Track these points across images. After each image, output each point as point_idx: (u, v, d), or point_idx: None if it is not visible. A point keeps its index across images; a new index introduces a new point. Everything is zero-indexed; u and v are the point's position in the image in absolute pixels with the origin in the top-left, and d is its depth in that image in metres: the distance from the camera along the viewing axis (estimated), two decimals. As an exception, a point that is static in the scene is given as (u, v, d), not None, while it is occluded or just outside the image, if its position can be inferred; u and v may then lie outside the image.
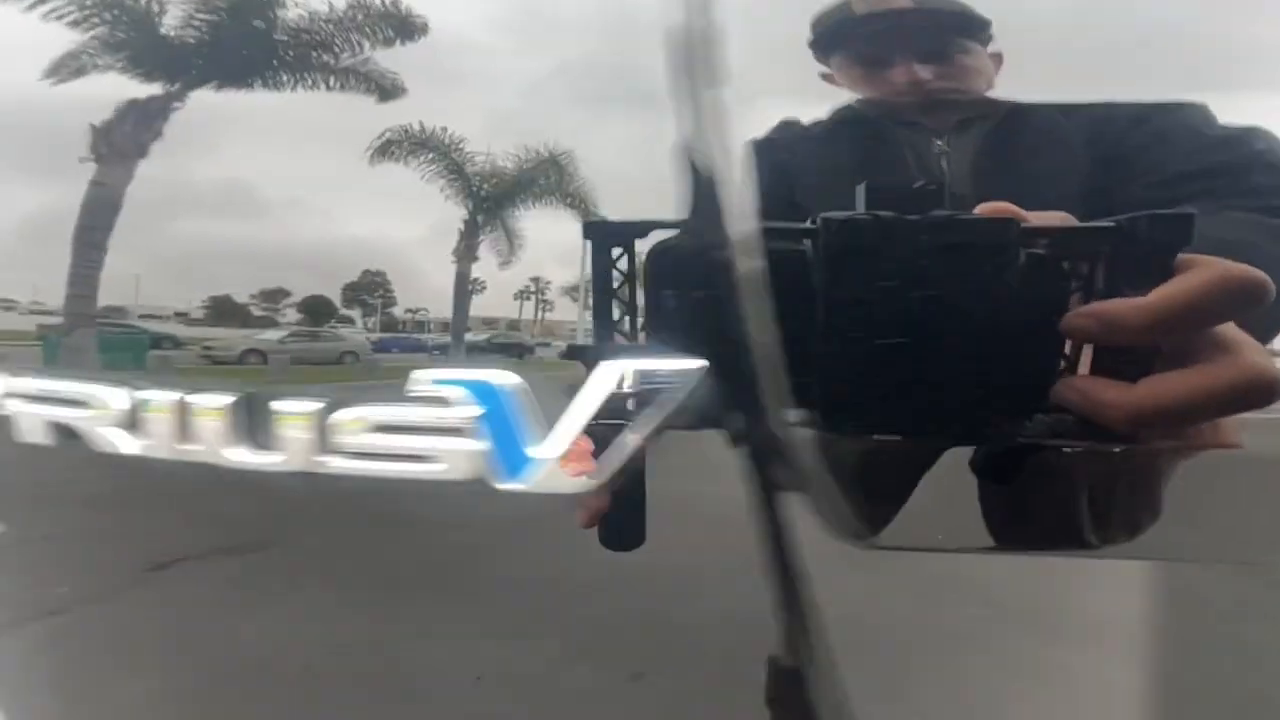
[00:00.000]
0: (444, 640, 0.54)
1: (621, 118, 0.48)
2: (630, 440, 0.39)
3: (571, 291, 0.46)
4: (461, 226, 0.47)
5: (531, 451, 0.40)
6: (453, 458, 0.40)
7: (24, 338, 0.54)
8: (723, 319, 0.40)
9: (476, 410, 0.40)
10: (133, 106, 0.50)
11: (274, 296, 0.49)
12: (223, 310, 0.50)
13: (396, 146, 0.47)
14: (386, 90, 0.48)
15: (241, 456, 0.43)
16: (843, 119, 0.44)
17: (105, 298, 0.51)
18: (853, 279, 0.39)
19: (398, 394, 0.41)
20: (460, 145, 0.47)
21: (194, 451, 0.44)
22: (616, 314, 0.43)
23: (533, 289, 0.47)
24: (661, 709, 0.53)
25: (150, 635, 0.57)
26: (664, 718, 0.54)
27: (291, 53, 0.51)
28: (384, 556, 0.54)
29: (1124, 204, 0.42)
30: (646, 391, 0.39)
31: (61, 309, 0.51)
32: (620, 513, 0.45)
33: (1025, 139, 0.46)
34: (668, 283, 0.42)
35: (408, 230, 0.48)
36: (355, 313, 0.49)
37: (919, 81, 0.46)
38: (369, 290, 0.48)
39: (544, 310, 0.47)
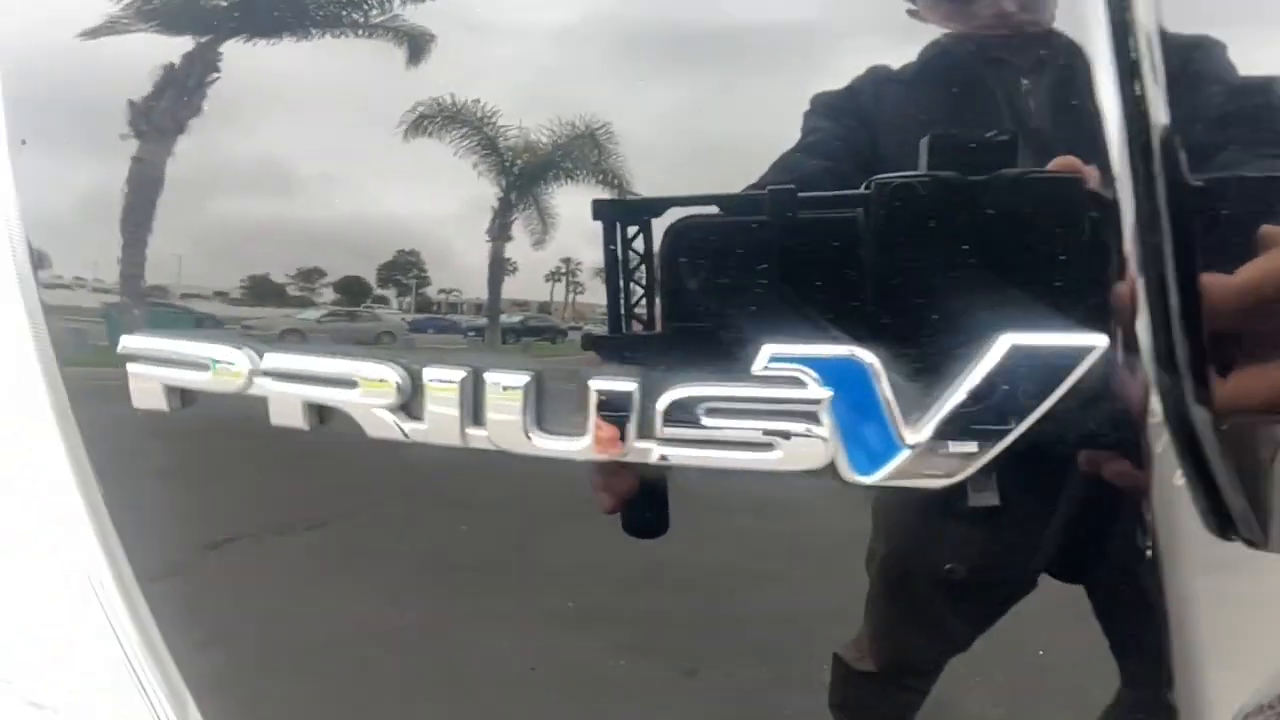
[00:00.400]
0: (499, 629, 0.54)
1: (660, 83, 0.45)
2: (1008, 431, 0.36)
3: (602, 274, 0.45)
4: (495, 205, 0.46)
5: (894, 439, 0.36)
6: (795, 445, 0.37)
7: (92, 315, 0.54)
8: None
9: (825, 393, 0.37)
10: (169, 80, 0.50)
11: (310, 276, 0.49)
12: (261, 290, 0.50)
13: (429, 121, 0.46)
14: (417, 44, 0.46)
15: (545, 443, 0.41)
16: (929, 59, 0.40)
17: (151, 277, 0.52)
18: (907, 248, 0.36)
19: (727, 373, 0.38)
20: (493, 118, 0.45)
21: (486, 437, 0.42)
22: (633, 299, 0.41)
23: (563, 270, 0.45)
24: (718, 706, 0.53)
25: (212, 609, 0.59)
26: (719, 715, 0.54)
27: (321, 12, 0.50)
28: (438, 540, 0.54)
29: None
30: (1027, 373, 0.35)
31: (117, 287, 0.52)
32: (645, 499, 0.44)
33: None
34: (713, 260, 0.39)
35: (441, 209, 0.47)
36: (390, 292, 0.48)
37: (1004, 14, 0.42)
38: (403, 270, 0.48)
39: (575, 293, 0.45)
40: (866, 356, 0.36)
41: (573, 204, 0.44)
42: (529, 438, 0.41)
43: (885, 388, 0.36)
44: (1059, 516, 0.41)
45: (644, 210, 0.40)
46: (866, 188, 0.37)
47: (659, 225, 0.40)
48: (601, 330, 0.42)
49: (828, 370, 0.37)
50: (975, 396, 0.35)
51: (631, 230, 0.40)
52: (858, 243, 0.37)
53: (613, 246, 0.40)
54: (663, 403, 0.39)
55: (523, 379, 0.41)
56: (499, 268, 0.46)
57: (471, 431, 0.42)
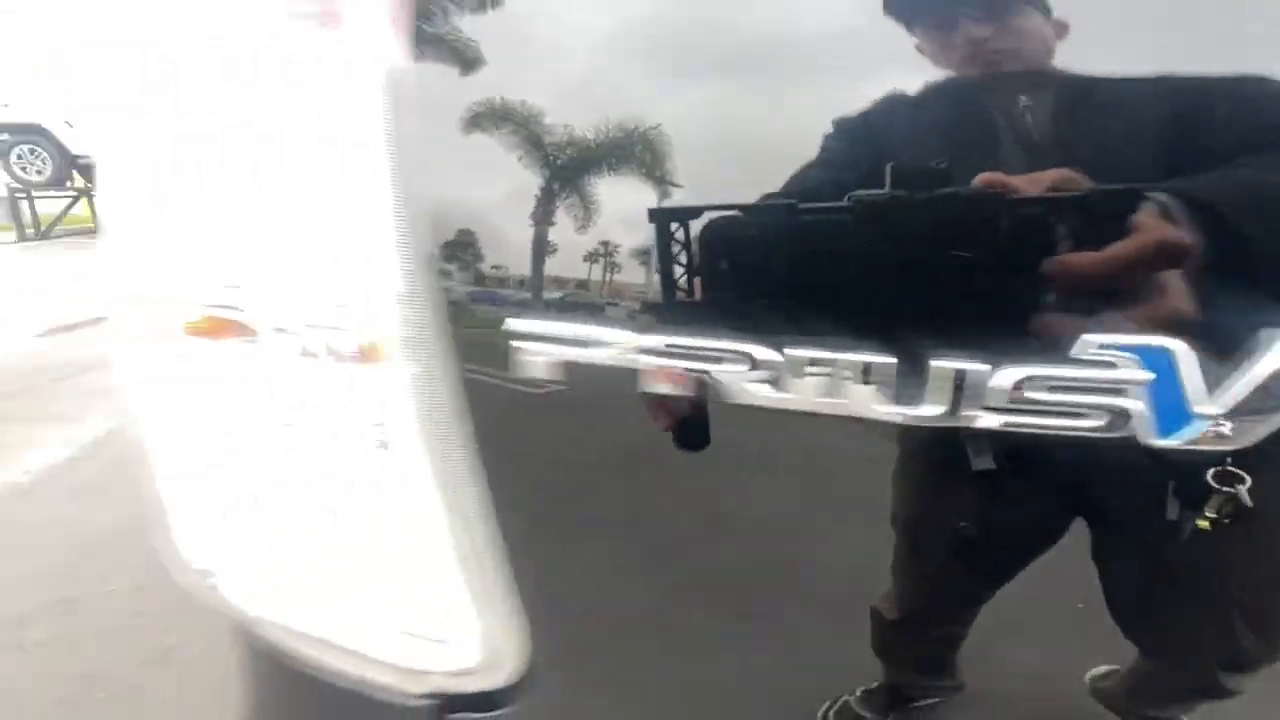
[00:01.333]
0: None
1: (698, 85, 0.51)
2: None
3: (639, 255, 0.51)
4: (539, 193, 0.53)
5: (1194, 409, 0.42)
6: (1106, 413, 0.44)
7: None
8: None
9: (1147, 375, 0.43)
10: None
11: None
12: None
13: (484, 119, 0.52)
14: (468, 60, 0.53)
15: (893, 410, 0.46)
16: (938, 87, 0.45)
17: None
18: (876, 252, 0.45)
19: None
20: (539, 118, 0.52)
21: (844, 406, 0.47)
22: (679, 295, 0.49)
23: (602, 252, 0.52)
24: (771, 651, 0.59)
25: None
26: (773, 660, 0.59)
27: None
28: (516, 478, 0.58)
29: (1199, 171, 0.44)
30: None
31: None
32: (693, 420, 0.51)
33: (1088, 108, 0.45)
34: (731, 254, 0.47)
35: (492, 194, 0.54)
36: (452, 267, 0.56)
37: (977, 40, 0.46)
38: (462, 248, 0.55)
39: (612, 273, 0.52)
40: (1177, 345, 0.42)
41: (615, 193, 0.51)
42: (879, 409, 0.46)
43: (1187, 370, 0.42)
44: None
45: (686, 215, 0.48)
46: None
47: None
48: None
49: (1148, 356, 0.43)
50: (1268, 380, 0.41)
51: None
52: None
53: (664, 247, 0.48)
54: (1006, 379, 0.44)
55: (883, 359, 0.46)
56: (541, 248, 0.53)
57: (830, 400, 0.47)
